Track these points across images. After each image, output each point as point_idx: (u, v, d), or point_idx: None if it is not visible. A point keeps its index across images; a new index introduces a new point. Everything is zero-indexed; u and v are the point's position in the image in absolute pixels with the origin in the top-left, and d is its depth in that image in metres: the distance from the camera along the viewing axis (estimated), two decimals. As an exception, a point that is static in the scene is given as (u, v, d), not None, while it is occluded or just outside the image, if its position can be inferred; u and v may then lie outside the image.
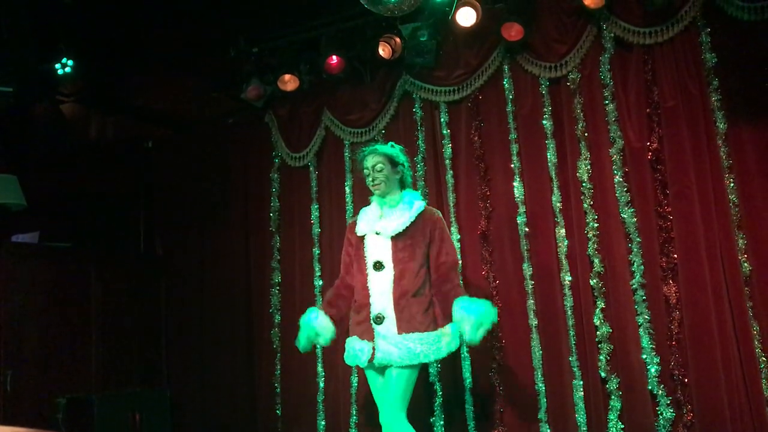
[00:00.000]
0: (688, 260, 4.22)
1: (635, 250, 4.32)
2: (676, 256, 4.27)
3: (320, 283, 5.33)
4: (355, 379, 5.05)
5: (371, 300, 3.62)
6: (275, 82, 5.34)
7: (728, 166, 4.19)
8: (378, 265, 3.64)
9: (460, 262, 3.66)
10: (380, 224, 3.71)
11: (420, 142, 5.06)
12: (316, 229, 5.42)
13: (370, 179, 3.76)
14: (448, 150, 4.96)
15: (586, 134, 4.54)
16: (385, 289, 3.61)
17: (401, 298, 3.58)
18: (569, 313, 4.47)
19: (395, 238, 3.67)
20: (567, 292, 4.49)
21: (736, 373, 4.05)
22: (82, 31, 5.12)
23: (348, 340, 3.78)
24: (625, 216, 4.37)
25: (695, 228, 4.22)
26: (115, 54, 5.40)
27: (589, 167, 4.50)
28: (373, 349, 3.59)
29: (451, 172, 4.93)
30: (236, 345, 5.66)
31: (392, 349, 3.53)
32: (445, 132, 5.00)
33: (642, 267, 4.30)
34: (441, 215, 3.83)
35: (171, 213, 6.23)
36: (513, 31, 4.60)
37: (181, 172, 6.20)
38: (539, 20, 4.67)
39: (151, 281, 6.08)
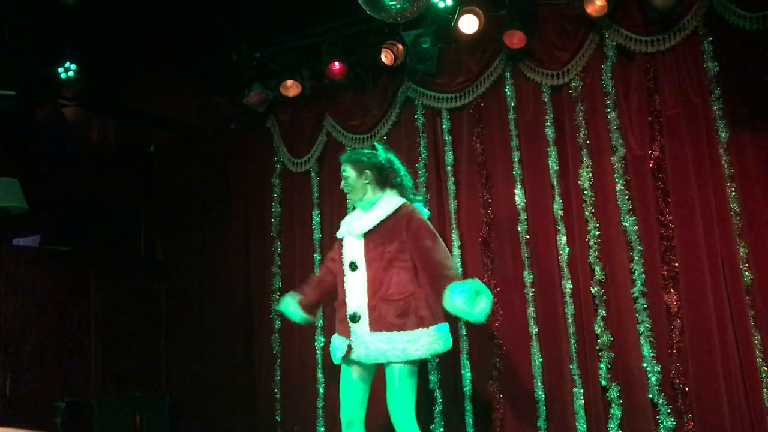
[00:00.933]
0: (690, 269, 4.21)
1: (636, 258, 4.32)
2: (677, 264, 4.26)
3: (321, 288, 5.32)
4: (354, 386, 5.03)
5: (347, 300, 3.67)
6: (277, 88, 5.34)
7: (730, 175, 4.19)
8: (353, 266, 3.68)
9: (445, 252, 3.68)
10: (354, 224, 3.75)
11: (422, 148, 5.06)
12: (317, 235, 5.42)
13: (343, 186, 3.85)
14: (449, 157, 4.96)
15: (587, 142, 4.54)
16: (359, 289, 3.64)
17: (372, 298, 3.60)
18: (570, 320, 4.47)
19: (367, 238, 3.66)
20: (568, 299, 4.49)
21: (737, 382, 4.04)
22: (85, 35, 5.13)
23: (332, 337, 3.85)
24: (626, 224, 4.36)
25: (696, 236, 4.22)
26: (118, 58, 5.41)
27: (590, 175, 4.50)
28: (349, 346, 3.63)
29: (453, 178, 4.93)
30: (236, 350, 5.65)
31: (361, 349, 3.59)
32: (446, 139, 5.00)
33: (643, 275, 4.30)
34: (419, 210, 3.75)
35: (172, 217, 6.23)
36: (515, 39, 4.60)
37: (182, 177, 6.20)
38: (541, 28, 4.68)
39: (151, 285, 6.08)
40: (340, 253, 3.80)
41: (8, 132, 5.68)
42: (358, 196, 3.79)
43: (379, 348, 3.53)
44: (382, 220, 3.65)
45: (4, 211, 5.70)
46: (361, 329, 3.60)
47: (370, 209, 3.75)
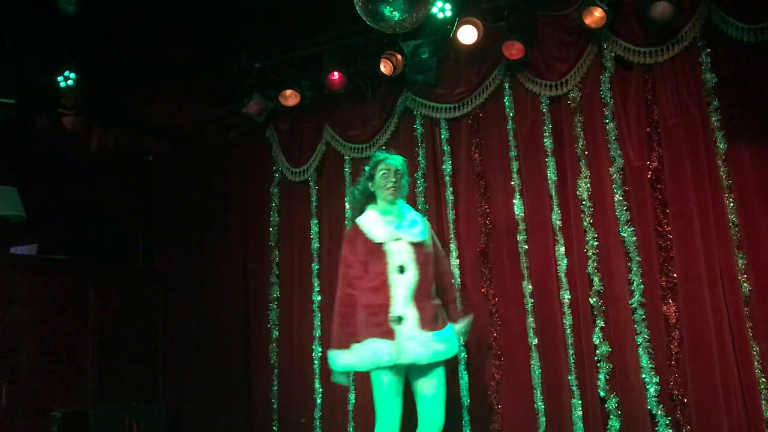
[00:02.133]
0: (688, 279, 4.21)
1: (635, 268, 4.32)
2: (675, 275, 4.26)
3: (319, 298, 5.31)
4: (352, 396, 5.02)
5: (392, 302, 3.67)
6: (276, 98, 5.35)
7: (728, 186, 4.20)
8: (402, 269, 3.73)
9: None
10: (399, 231, 3.81)
11: (420, 158, 5.07)
12: (316, 244, 5.41)
13: (391, 181, 3.83)
14: (448, 167, 4.97)
15: (586, 152, 4.55)
16: (407, 292, 3.69)
17: (422, 299, 3.70)
18: (568, 331, 4.46)
19: (416, 244, 3.79)
20: (566, 310, 4.48)
21: (735, 393, 4.03)
22: (85, 44, 5.15)
23: (360, 344, 3.68)
24: (624, 234, 4.36)
25: (695, 247, 4.22)
26: (117, 68, 5.42)
27: (589, 185, 4.51)
28: (396, 349, 3.61)
29: (451, 188, 4.93)
30: (233, 360, 5.63)
31: (419, 349, 3.62)
32: (445, 149, 5.01)
33: (641, 286, 4.29)
34: None
35: (170, 227, 6.23)
36: (514, 50, 4.62)
37: (181, 186, 6.20)
38: (540, 39, 4.70)
39: (149, 295, 6.07)
40: (382, 257, 3.75)
41: (7, 140, 5.68)
42: (400, 196, 3.90)
43: (435, 348, 3.64)
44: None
45: (3, 220, 5.70)
46: (411, 330, 3.63)
47: (403, 214, 3.88)
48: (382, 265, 3.74)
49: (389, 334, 3.63)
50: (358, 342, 3.68)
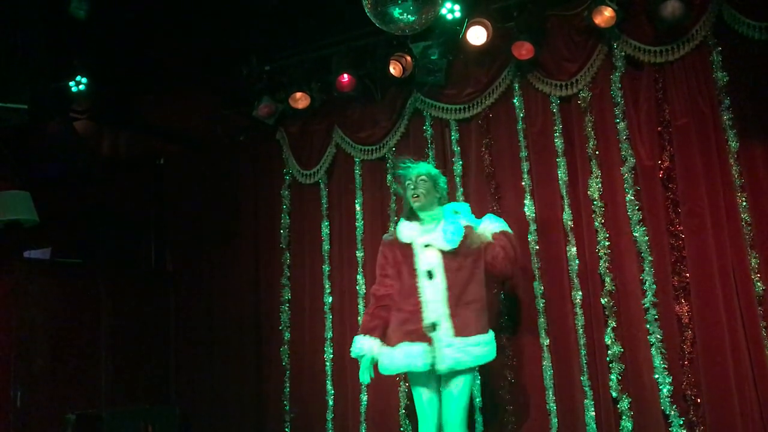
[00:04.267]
0: (701, 279, 4.19)
1: (647, 268, 4.30)
2: (688, 274, 4.24)
3: (330, 300, 5.32)
4: (364, 397, 5.02)
5: (423, 308, 3.72)
6: (286, 100, 5.36)
7: (740, 185, 4.18)
8: (430, 274, 3.77)
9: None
10: (428, 237, 3.84)
11: (430, 159, 5.06)
12: (326, 246, 5.42)
13: (412, 189, 3.89)
14: (458, 168, 4.97)
15: (597, 152, 4.54)
16: (438, 298, 3.72)
17: (456, 306, 3.72)
18: (580, 331, 4.45)
19: (446, 252, 3.80)
20: (578, 310, 4.47)
21: (749, 393, 4.01)
22: (96, 49, 5.18)
23: (393, 348, 3.76)
24: (636, 234, 4.35)
25: (707, 247, 4.20)
26: (128, 72, 5.45)
27: (600, 185, 4.49)
28: (432, 355, 3.67)
29: (462, 189, 4.93)
30: (245, 362, 5.64)
31: (455, 354, 3.65)
32: (455, 150, 5.01)
33: (654, 286, 4.28)
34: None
35: (182, 229, 6.25)
36: (524, 50, 4.61)
37: (192, 189, 6.22)
38: (550, 39, 4.69)
39: (161, 297, 6.09)
40: (410, 260, 3.83)
41: (20, 145, 5.72)
42: (425, 203, 3.90)
43: (472, 353, 3.68)
44: None
45: (16, 224, 5.72)
46: (445, 337, 3.67)
47: (435, 221, 3.88)
48: (411, 269, 3.82)
49: (424, 339, 3.69)
50: (392, 345, 3.76)
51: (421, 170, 3.93)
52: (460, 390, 3.73)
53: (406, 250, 3.87)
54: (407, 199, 3.96)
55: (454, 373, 3.72)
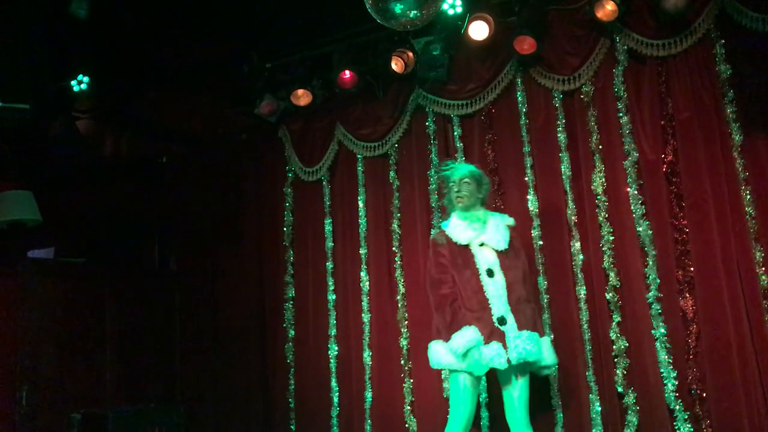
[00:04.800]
0: (705, 273, 4.18)
1: (651, 263, 4.29)
2: (692, 269, 4.24)
3: (333, 297, 5.32)
4: (369, 394, 5.03)
5: (490, 304, 3.86)
6: (288, 98, 5.36)
7: (744, 178, 4.16)
8: (490, 272, 3.91)
9: None
10: (483, 237, 3.98)
11: (433, 155, 5.06)
12: (329, 243, 5.42)
13: (455, 191, 4.03)
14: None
15: (600, 147, 4.53)
16: (500, 294, 3.88)
17: (517, 302, 3.88)
18: (585, 326, 4.44)
19: (499, 252, 3.97)
20: (582, 305, 4.46)
21: (755, 387, 4.00)
22: (98, 48, 5.17)
23: (475, 348, 3.81)
24: (640, 229, 4.34)
25: (711, 241, 4.19)
26: (130, 71, 5.44)
27: (603, 180, 4.48)
28: (505, 348, 3.77)
29: (465, 185, 4.91)
30: (250, 360, 5.65)
31: (526, 346, 3.76)
32: (458, 145, 5.00)
33: (658, 280, 4.27)
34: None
35: (185, 228, 6.25)
36: (526, 45, 4.60)
37: (195, 188, 6.22)
38: (552, 33, 4.67)
39: (165, 296, 6.09)
40: (470, 259, 3.95)
41: (22, 145, 5.72)
42: (469, 203, 4.05)
43: (539, 345, 3.83)
44: None
45: (20, 224, 5.74)
46: (512, 331, 3.80)
47: (484, 221, 4.04)
48: (471, 268, 3.95)
49: (496, 336, 3.79)
50: (473, 347, 3.81)
51: (464, 172, 4.07)
52: (521, 394, 3.87)
53: (463, 249, 3.99)
54: (451, 201, 4.10)
55: (518, 373, 3.85)
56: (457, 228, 4.03)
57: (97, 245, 6.07)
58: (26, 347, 4.97)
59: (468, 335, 3.80)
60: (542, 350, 3.86)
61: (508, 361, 3.74)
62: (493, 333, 3.80)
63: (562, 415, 4.43)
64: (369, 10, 3.37)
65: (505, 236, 4.01)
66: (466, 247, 3.99)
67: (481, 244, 3.98)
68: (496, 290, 3.88)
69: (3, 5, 4.03)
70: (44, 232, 5.92)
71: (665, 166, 4.37)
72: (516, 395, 3.87)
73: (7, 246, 5.82)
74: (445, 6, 4.56)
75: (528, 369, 3.90)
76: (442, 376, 4.77)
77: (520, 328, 3.81)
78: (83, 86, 5.16)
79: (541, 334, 3.93)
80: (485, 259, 3.95)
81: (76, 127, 5.71)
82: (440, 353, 3.92)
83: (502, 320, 3.83)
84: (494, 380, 4.60)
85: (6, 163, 5.85)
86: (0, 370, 4.84)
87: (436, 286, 4.02)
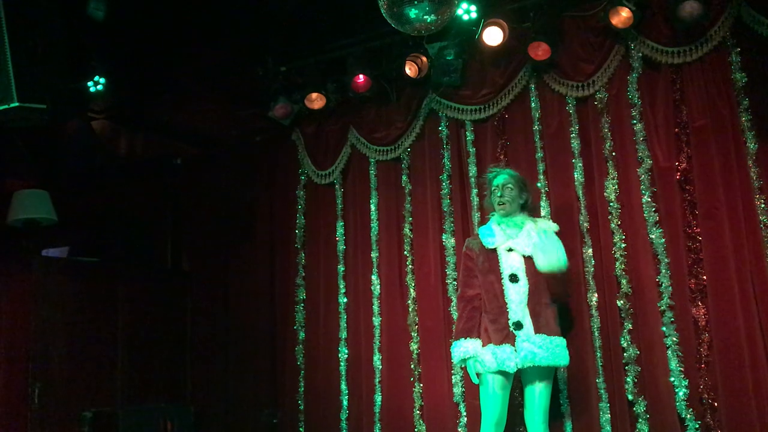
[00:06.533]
0: (718, 282, 4.16)
1: (663, 270, 4.27)
2: (705, 277, 4.21)
3: (344, 300, 5.33)
4: (378, 397, 5.03)
5: (509, 308, 3.92)
6: (302, 101, 5.38)
7: (759, 186, 4.14)
8: (513, 278, 3.96)
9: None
10: (512, 242, 4.03)
11: (445, 160, 5.06)
12: (341, 247, 5.43)
13: (497, 196, 4.09)
14: (473, 169, 4.95)
15: (613, 153, 4.51)
16: (521, 299, 3.93)
17: (536, 306, 3.92)
18: (596, 334, 4.42)
19: (527, 257, 3.99)
20: (594, 312, 4.45)
21: (767, 396, 3.96)
22: (114, 50, 5.21)
23: (483, 348, 3.95)
24: (653, 236, 4.32)
25: (725, 249, 4.16)
26: (146, 73, 5.48)
27: (616, 187, 4.47)
28: (516, 354, 3.86)
29: (476, 190, 4.91)
30: (260, 361, 5.66)
31: (535, 350, 3.83)
32: (470, 150, 5.00)
33: (670, 288, 4.24)
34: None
35: (198, 229, 6.28)
36: (540, 51, 4.60)
37: (208, 189, 6.26)
38: (566, 40, 4.67)
39: (177, 296, 6.12)
40: (495, 264, 4.02)
41: (39, 145, 5.77)
42: (510, 209, 4.10)
43: (550, 348, 3.85)
44: None
45: (34, 223, 5.79)
46: (527, 335, 3.86)
47: (518, 227, 4.07)
48: (496, 272, 4.02)
49: (509, 339, 3.89)
50: (483, 347, 3.95)
51: (507, 178, 4.11)
52: (541, 394, 3.93)
53: (491, 254, 4.06)
54: (492, 204, 4.16)
55: (536, 376, 3.91)
56: (490, 233, 4.11)
57: (110, 245, 6.11)
58: (39, 345, 5.00)
59: (463, 348, 3.98)
60: (556, 354, 3.88)
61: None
62: (507, 337, 3.90)
63: (571, 422, 4.41)
64: (383, 15, 3.38)
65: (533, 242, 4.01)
66: (494, 251, 4.06)
67: (510, 249, 4.03)
68: (517, 295, 3.93)
69: (22, 7, 4.07)
70: (59, 232, 5.97)
71: (679, 173, 4.36)
72: (536, 399, 3.94)
73: (21, 245, 5.87)
74: (459, 11, 4.56)
75: (551, 374, 3.97)
76: (453, 381, 4.77)
77: (537, 332, 3.86)
78: (99, 87, 5.20)
79: (561, 334, 3.98)
80: (511, 263, 4.00)
81: (91, 127, 5.76)
82: (456, 347, 4.07)
83: (518, 325, 3.89)
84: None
85: (22, 162, 5.91)
86: (12, 368, 4.89)
87: (459, 289, 4.20)
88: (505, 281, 3.97)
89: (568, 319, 4.51)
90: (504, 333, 3.91)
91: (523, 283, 3.95)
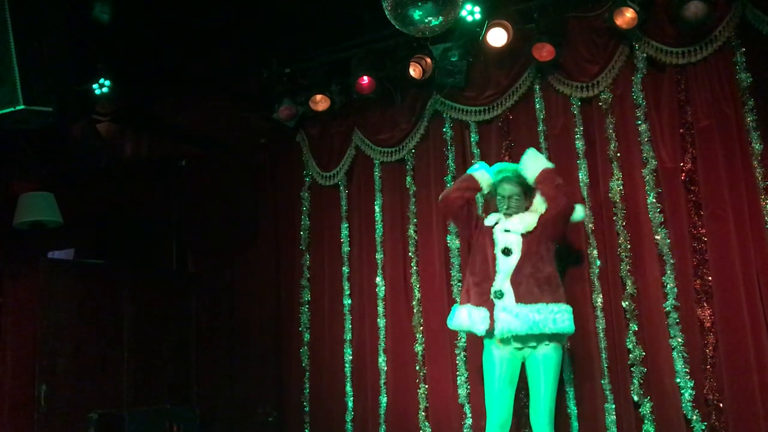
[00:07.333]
0: (723, 282, 4.15)
1: (668, 271, 4.27)
2: (710, 278, 4.21)
3: (349, 301, 5.33)
4: (384, 399, 5.03)
5: (496, 277, 3.99)
6: (307, 102, 5.38)
7: (764, 187, 4.13)
8: (507, 251, 4.03)
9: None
10: (508, 223, 4.10)
11: (450, 161, 5.07)
12: (346, 248, 5.43)
13: (504, 205, 4.15)
14: (478, 170, 4.95)
15: (618, 154, 4.51)
16: (508, 270, 3.98)
17: (518, 275, 3.95)
18: (601, 335, 4.42)
19: (524, 234, 4.05)
20: (599, 314, 4.44)
21: (773, 398, 3.96)
22: (119, 52, 5.23)
23: (462, 306, 4.10)
24: (658, 237, 4.32)
25: (730, 250, 4.16)
26: (151, 75, 5.50)
27: (621, 188, 4.47)
28: (491, 319, 3.93)
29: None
30: (265, 363, 5.67)
31: (511, 320, 3.87)
32: (475, 152, 5.00)
33: (675, 289, 4.24)
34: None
35: (203, 231, 6.29)
36: (544, 52, 4.60)
37: (213, 191, 6.26)
38: (570, 40, 4.67)
39: (182, 298, 6.13)
40: (490, 239, 4.11)
41: (44, 147, 5.79)
42: (515, 211, 4.13)
43: (529, 318, 3.85)
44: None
45: (40, 225, 5.81)
46: (505, 304, 3.92)
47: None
48: (491, 246, 4.09)
49: (487, 303, 3.96)
50: (461, 305, 4.11)
51: (512, 189, 4.12)
52: (545, 389, 3.95)
53: (487, 228, 4.18)
54: (496, 206, 4.22)
55: (541, 371, 3.95)
56: (493, 216, 4.23)
57: (115, 247, 6.12)
58: (45, 347, 5.02)
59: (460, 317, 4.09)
60: (535, 322, 3.85)
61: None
62: (485, 302, 3.98)
63: (577, 423, 4.40)
64: (388, 16, 3.39)
65: (532, 223, 4.05)
66: (491, 229, 4.14)
67: (507, 230, 4.08)
68: (507, 267, 3.99)
69: (27, 10, 4.08)
70: (64, 233, 5.99)
71: (684, 174, 4.35)
72: (540, 394, 3.96)
73: (27, 246, 5.89)
74: (463, 13, 4.56)
75: (552, 368, 3.96)
76: (458, 382, 4.77)
77: (517, 301, 3.89)
78: (105, 90, 5.21)
79: (554, 300, 3.95)
80: (505, 239, 4.06)
81: (97, 129, 5.77)
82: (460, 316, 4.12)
83: (499, 293, 3.94)
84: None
85: (28, 164, 5.92)
86: (19, 369, 4.90)
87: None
88: (498, 254, 4.04)
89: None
90: (484, 298, 3.99)
91: (515, 257, 3.99)
